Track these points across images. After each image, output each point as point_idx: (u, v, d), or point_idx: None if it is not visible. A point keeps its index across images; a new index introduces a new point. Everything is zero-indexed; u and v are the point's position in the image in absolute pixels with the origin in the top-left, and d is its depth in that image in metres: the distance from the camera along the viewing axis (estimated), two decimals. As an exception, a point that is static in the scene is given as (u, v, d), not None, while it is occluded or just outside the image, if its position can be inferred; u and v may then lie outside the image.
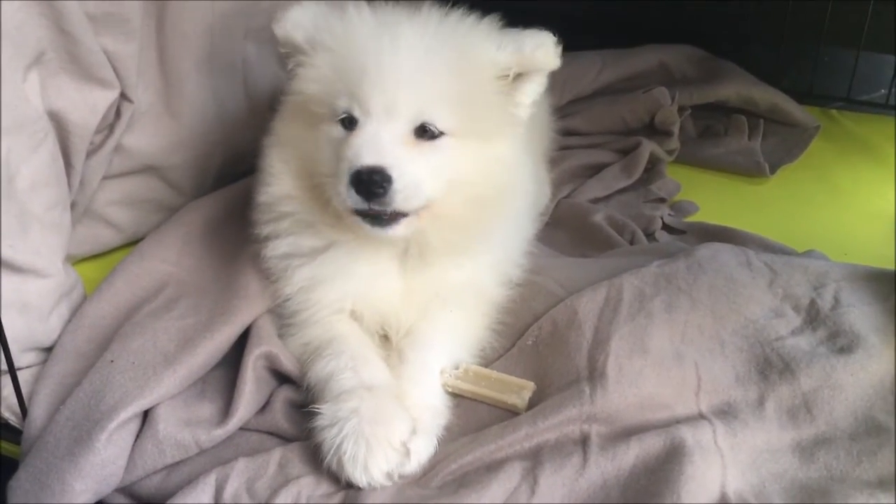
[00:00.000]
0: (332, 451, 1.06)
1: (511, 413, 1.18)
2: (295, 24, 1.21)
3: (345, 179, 1.12)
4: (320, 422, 1.09)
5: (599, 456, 1.06)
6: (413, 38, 1.16)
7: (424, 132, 1.15)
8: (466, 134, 1.18)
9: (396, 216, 1.15)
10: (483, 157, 1.20)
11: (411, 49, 1.15)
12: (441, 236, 1.21)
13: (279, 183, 1.24)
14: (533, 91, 1.25)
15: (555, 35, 1.22)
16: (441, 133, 1.16)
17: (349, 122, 1.15)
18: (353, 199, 1.12)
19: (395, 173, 1.11)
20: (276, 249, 1.26)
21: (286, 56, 1.25)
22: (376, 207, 1.13)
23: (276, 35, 1.23)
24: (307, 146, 1.21)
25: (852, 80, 2.05)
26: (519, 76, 1.22)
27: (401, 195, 1.12)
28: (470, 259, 1.27)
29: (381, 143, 1.13)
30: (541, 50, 1.20)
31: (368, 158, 1.11)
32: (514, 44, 1.20)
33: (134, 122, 1.46)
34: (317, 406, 1.11)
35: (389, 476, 1.06)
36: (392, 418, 1.08)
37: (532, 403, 1.17)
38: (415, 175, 1.13)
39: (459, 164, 1.18)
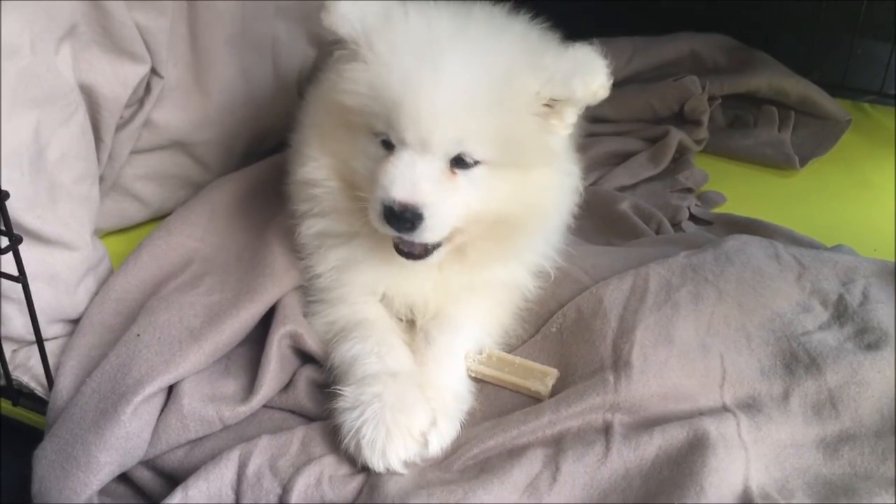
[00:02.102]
0: (351, 434, 1.06)
1: (534, 399, 1.17)
2: (343, 18, 1.15)
3: (377, 207, 1.11)
4: (342, 403, 1.10)
5: (622, 445, 1.06)
6: (455, 70, 1.10)
7: (460, 162, 1.13)
8: (502, 162, 1.15)
9: (427, 248, 1.16)
10: (518, 182, 1.17)
11: (452, 84, 1.10)
12: (477, 249, 1.21)
13: (316, 168, 1.22)
14: (568, 119, 1.19)
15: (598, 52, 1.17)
16: (476, 162, 1.13)
17: (388, 144, 1.13)
18: (382, 226, 1.12)
19: (426, 212, 1.10)
20: (311, 227, 1.26)
21: (332, 43, 1.20)
22: (406, 238, 1.14)
23: (324, 24, 1.17)
24: (344, 148, 1.19)
25: (886, 74, 2.02)
26: (556, 102, 1.16)
27: (430, 232, 1.12)
28: (508, 261, 1.26)
29: (416, 178, 1.11)
30: (577, 80, 1.13)
31: (401, 193, 1.10)
32: (550, 70, 1.13)
33: (163, 97, 1.46)
34: (339, 388, 1.12)
35: (406, 464, 1.06)
36: (414, 407, 1.08)
37: (555, 391, 1.17)
38: (446, 211, 1.12)
39: (494, 191, 1.16)
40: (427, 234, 1.12)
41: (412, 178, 1.10)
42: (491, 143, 1.12)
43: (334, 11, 1.15)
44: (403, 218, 1.10)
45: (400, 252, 1.17)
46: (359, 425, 1.06)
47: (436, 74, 1.09)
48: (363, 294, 1.24)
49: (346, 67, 1.15)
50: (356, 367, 1.14)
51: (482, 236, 1.19)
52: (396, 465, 1.05)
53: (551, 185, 1.22)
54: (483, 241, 1.20)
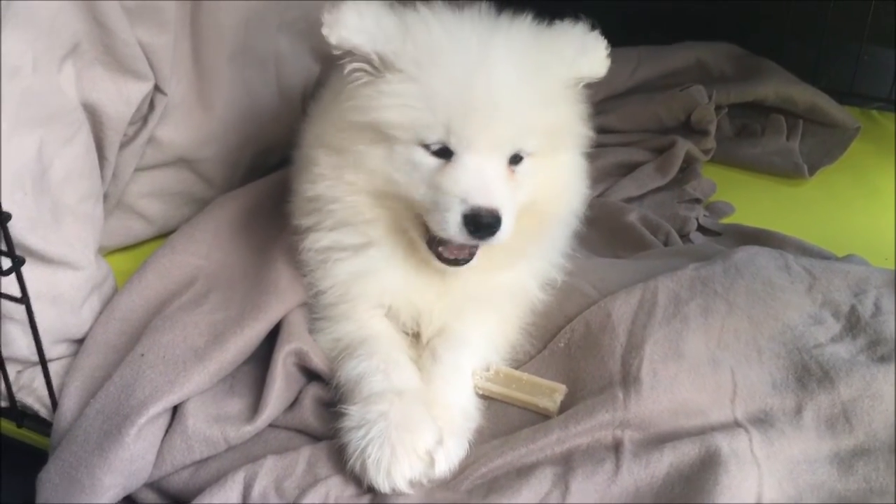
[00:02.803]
0: (356, 454, 1.05)
1: (542, 416, 1.16)
2: (355, 32, 1.11)
3: (455, 217, 1.10)
4: (347, 423, 1.08)
5: (632, 463, 1.04)
6: (505, 71, 1.11)
7: (515, 158, 1.14)
8: (544, 152, 1.17)
9: (472, 252, 1.16)
10: (552, 169, 1.19)
11: (506, 85, 1.11)
12: (505, 246, 1.18)
13: (328, 186, 1.20)
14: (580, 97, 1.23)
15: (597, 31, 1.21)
16: (525, 155, 1.15)
17: (443, 152, 1.12)
18: (461, 235, 1.11)
19: (504, 214, 1.10)
20: (316, 242, 1.24)
21: (340, 58, 1.15)
22: (474, 242, 1.14)
23: (328, 40, 1.12)
24: (372, 162, 1.16)
25: (894, 81, 2.00)
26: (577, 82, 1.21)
27: (505, 234, 1.11)
28: (528, 259, 1.26)
29: (491, 181, 1.11)
30: (588, 57, 1.19)
31: (482, 199, 1.10)
32: (567, 54, 1.18)
33: (167, 114, 1.45)
34: (345, 407, 1.10)
35: (412, 484, 1.04)
36: (420, 425, 1.07)
37: (564, 407, 1.16)
38: (513, 210, 1.13)
39: (536, 181, 1.17)
40: (503, 236, 1.11)
41: (487, 182, 1.11)
42: (540, 134, 1.14)
43: (343, 26, 1.11)
44: (488, 224, 1.09)
45: (443, 260, 1.16)
46: (364, 445, 1.05)
47: (490, 79, 1.10)
48: (370, 307, 1.23)
49: (382, 83, 1.12)
50: (362, 384, 1.13)
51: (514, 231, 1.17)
52: (402, 485, 1.03)
53: (574, 167, 1.25)
54: (513, 237, 1.17)
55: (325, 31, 1.11)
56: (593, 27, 1.22)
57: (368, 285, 1.23)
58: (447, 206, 1.10)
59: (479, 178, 1.10)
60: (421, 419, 1.08)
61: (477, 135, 1.10)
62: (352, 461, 1.05)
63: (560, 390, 1.18)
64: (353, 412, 1.09)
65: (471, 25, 1.16)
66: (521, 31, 1.18)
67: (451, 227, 1.10)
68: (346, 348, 1.20)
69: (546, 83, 1.15)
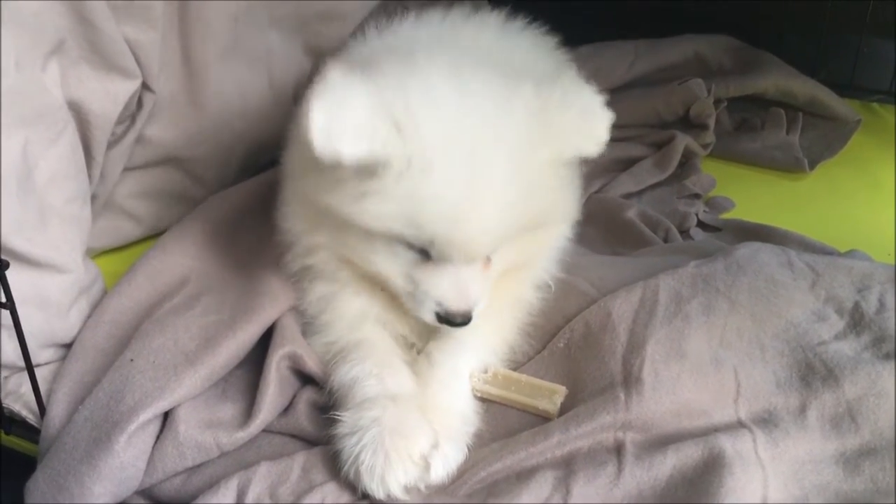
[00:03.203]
0: (350, 461, 1.03)
1: (542, 419, 1.14)
2: (351, 141, 0.96)
3: (429, 313, 1.10)
4: (341, 429, 1.06)
5: (635, 465, 1.02)
6: (492, 183, 1.02)
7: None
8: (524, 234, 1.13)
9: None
10: (531, 242, 1.17)
11: (493, 199, 1.03)
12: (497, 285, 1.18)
13: (310, 252, 1.18)
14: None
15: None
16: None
17: (423, 252, 1.07)
18: (434, 322, 1.11)
19: (477, 309, 1.10)
20: (295, 262, 1.22)
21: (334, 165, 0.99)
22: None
23: (315, 150, 0.96)
24: (350, 240, 1.10)
25: (895, 73, 1.97)
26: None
27: (476, 318, 1.11)
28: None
29: (466, 286, 1.09)
30: (583, 135, 1.07)
31: (455, 305, 1.09)
32: (558, 131, 1.06)
33: (156, 112, 1.42)
34: (338, 413, 1.08)
35: (407, 490, 1.02)
36: (414, 430, 1.05)
37: (564, 409, 1.14)
38: (487, 292, 1.12)
39: (512, 258, 1.16)
40: (475, 321, 1.11)
41: (462, 287, 1.09)
42: (522, 226, 1.10)
43: (336, 137, 0.96)
44: (458, 323, 1.10)
45: (442, 321, 1.12)
46: (357, 451, 1.03)
47: (479, 196, 1.02)
48: (356, 318, 1.20)
49: (367, 183, 1.02)
50: (355, 390, 1.11)
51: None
52: (397, 491, 1.01)
53: (560, 232, 1.22)
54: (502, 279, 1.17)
55: (311, 137, 0.96)
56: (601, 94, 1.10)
57: (349, 302, 1.20)
58: (422, 301, 1.10)
59: (455, 285, 1.08)
60: (415, 424, 1.06)
61: (459, 252, 1.06)
62: (346, 468, 1.03)
63: (560, 392, 1.16)
64: (347, 418, 1.07)
65: (459, 113, 1.03)
66: (508, 117, 1.05)
67: (425, 316, 1.11)
68: (339, 352, 1.17)
69: (530, 176, 1.06)
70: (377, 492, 1.01)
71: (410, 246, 1.07)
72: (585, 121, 1.07)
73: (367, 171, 1.00)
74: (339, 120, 0.96)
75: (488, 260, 1.12)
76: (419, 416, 1.07)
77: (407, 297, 1.12)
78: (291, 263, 1.22)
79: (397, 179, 1.00)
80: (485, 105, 1.04)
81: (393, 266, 1.10)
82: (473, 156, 1.01)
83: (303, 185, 1.12)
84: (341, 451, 1.04)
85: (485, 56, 1.34)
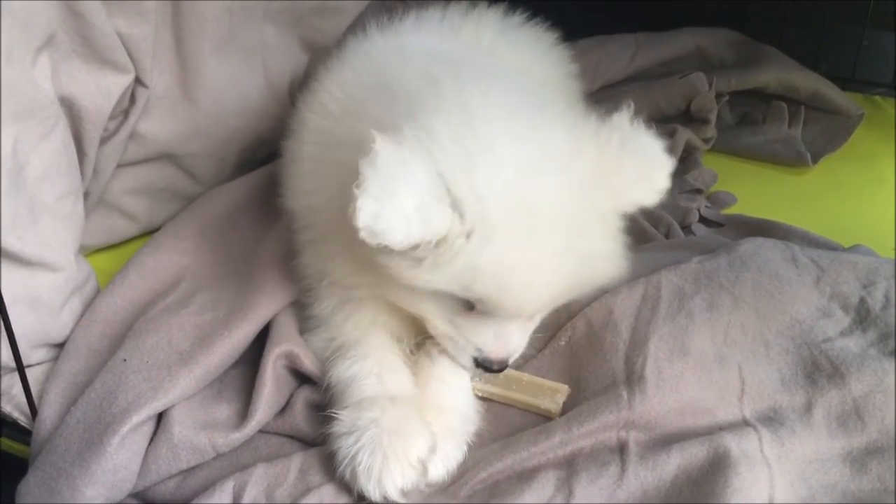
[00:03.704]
0: (346, 461, 1.01)
1: (544, 418, 1.12)
2: (404, 233, 0.91)
3: (467, 358, 1.09)
4: (338, 428, 1.04)
5: (638, 465, 1.00)
6: (558, 244, 0.99)
7: None
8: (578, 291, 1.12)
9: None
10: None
11: (554, 262, 1.00)
12: None
13: (338, 283, 1.15)
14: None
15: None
16: None
17: (469, 303, 1.05)
18: (469, 367, 1.11)
19: (516, 355, 1.10)
20: (313, 265, 1.19)
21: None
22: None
23: (366, 241, 0.91)
24: (395, 290, 1.06)
25: (897, 66, 1.96)
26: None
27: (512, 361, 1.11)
28: None
29: (509, 339, 1.08)
30: (643, 189, 1.03)
31: (496, 354, 1.08)
32: (616, 187, 1.02)
33: (149, 107, 1.40)
34: (335, 411, 1.06)
35: (404, 493, 1.00)
36: (413, 433, 1.03)
37: (567, 407, 1.12)
38: (525, 342, 1.12)
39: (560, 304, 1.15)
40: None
41: (506, 340, 1.08)
42: (573, 289, 1.08)
43: (392, 232, 0.90)
44: (496, 369, 1.09)
45: (478, 365, 1.11)
46: (354, 452, 1.01)
47: (534, 264, 0.99)
48: (360, 321, 1.17)
49: (423, 262, 0.97)
50: (353, 388, 1.09)
51: None
52: (393, 494, 0.99)
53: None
54: None
55: (357, 224, 0.90)
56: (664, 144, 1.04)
57: (360, 307, 1.16)
58: (462, 346, 1.09)
59: (499, 338, 1.08)
60: (414, 426, 1.04)
61: (507, 312, 1.05)
62: (342, 468, 1.01)
63: (562, 391, 1.14)
64: (344, 417, 1.05)
65: (529, 181, 0.97)
66: (582, 169, 1.00)
67: (462, 361, 1.10)
68: (339, 348, 1.15)
69: (595, 230, 1.02)
70: (373, 494, 0.99)
71: (457, 298, 1.04)
72: (647, 170, 1.02)
73: (413, 248, 0.95)
74: (390, 208, 0.90)
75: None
76: (418, 418, 1.05)
77: (445, 340, 1.10)
78: (310, 266, 1.20)
79: (454, 251, 0.96)
80: (547, 168, 0.99)
81: (436, 311, 1.08)
82: (534, 223, 0.97)
83: (344, 241, 1.04)
84: (338, 450, 1.02)
85: (486, 54, 1.33)
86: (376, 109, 1.07)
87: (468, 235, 0.95)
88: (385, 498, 0.99)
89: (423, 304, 1.07)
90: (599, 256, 1.05)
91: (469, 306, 1.05)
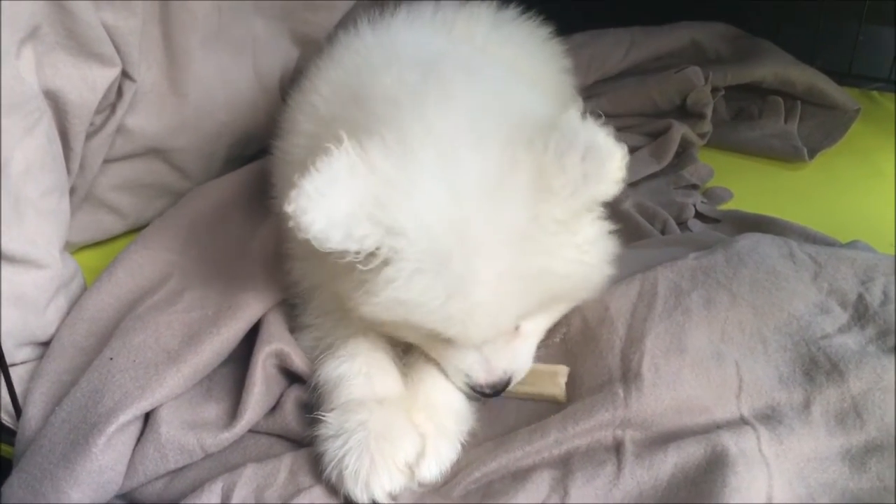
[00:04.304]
0: (333, 464, 1.00)
1: (538, 415, 1.09)
2: (326, 232, 0.92)
3: (461, 385, 1.08)
4: (325, 431, 1.03)
5: (635, 465, 0.99)
6: (498, 270, 0.96)
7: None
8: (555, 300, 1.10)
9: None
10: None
11: (495, 289, 0.97)
12: None
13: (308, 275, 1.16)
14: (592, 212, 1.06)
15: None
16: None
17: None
18: (472, 395, 1.09)
19: (515, 378, 1.08)
20: (305, 279, 1.19)
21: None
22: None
23: (293, 227, 0.92)
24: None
25: (894, 61, 1.94)
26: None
27: (516, 382, 1.09)
28: None
29: (497, 362, 1.06)
30: (593, 184, 0.96)
31: (483, 378, 1.06)
32: (563, 187, 0.97)
33: (137, 101, 1.38)
34: (323, 414, 1.05)
35: (391, 496, 0.99)
36: (401, 436, 1.01)
37: (569, 389, 1.11)
38: (527, 359, 1.10)
39: (548, 316, 1.13)
40: (513, 384, 1.10)
41: (491, 363, 1.06)
42: (540, 301, 1.05)
43: (314, 228, 0.91)
44: (492, 394, 1.07)
45: (476, 392, 1.09)
46: (342, 455, 0.99)
47: (470, 294, 0.96)
48: (350, 322, 1.14)
49: (369, 285, 0.98)
50: (341, 388, 1.07)
51: None
52: (381, 497, 0.98)
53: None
54: None
55: (288, 212, 0.92)
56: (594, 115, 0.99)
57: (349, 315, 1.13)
58: (453, 375, 1.08)
59: (484, 363, 1.06)
60: (402, 429, 1.02)
61: (461, 340, 1.03)
62: (329, 471, 1.00)
63: (562, 372, 1.12)
64: (332, 420, 1.03)
65: (459, 209, 0.96)
66: (518, 186, 0.97)
67: (460, 386, 1.09)
68: (327, 348, 1.13)
69: (554, 240, 0.99)
70: (360, 497, 0.97)
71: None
72: (595, 163, 0.96)
73: (363, 260, 0.95)
74: (318, 206, 0.92)
75: (515, 330, 1.07)
76: (406, 420, 1.04)
77: (445, 367, 1.09)
78: (302, 280, 1.19)
79: (387, 282, 0.96)
80: (478, 195, 0.97)
81: (418, 339, 1.08)
82: (466, 253, 0.95)
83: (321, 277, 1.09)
84: (325, 453, 1.01)
85: (479, 50, 1.31)
86: (358, 116, 1.06)
87: (394, 264, 0.95)
88: (372, 501, 0.98)
89: (407, 334, 1.07)
90: (560, 269, 1.01)
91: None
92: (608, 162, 0.95)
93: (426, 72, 1.09)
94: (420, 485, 1.01)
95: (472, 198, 0.96)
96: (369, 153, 0.96)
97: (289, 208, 0.91)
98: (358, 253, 0.94)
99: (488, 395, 1.07)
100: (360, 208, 0.93)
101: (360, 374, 1.08)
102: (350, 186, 0.94)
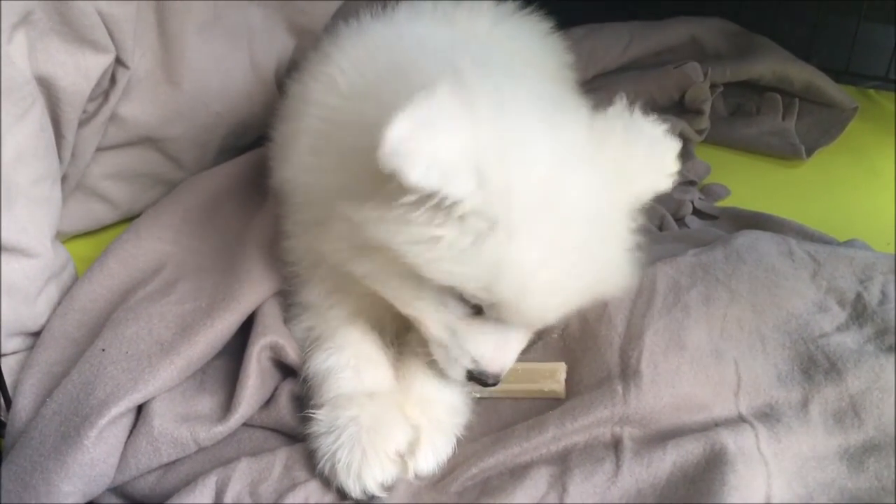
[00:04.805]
0: (326, 457, 0.99)
1: (536, 411, 1.08)
2: (433, 168, 0.85)
3: (460, 369, 1.04)
4: (317, 428, 1.02)
5: (633, 462, 0.98)
6: (588, 251, 0.95)
7: None
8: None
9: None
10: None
11: (582, 269, 0.95)
12: None
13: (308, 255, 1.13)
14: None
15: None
16: None
17: (477, 308, 0.99)
18: (460, 379, 1.05)
19: (508, 367, 1.05)
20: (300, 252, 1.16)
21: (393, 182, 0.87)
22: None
23: (382, 160, 0.84)
24: (396, 283, 1.00)
25: (892, 59, 1.94)
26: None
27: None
28: None
29: (509, 352, 1.04)
30: (658, 175, 1.00)
31: (492, 367, 1.03)
32: (633, 178, 0.99)
33: (130, 89, 1.36)
34: (314, 411, 1.04)
35: (384, 487, 0.98)
36: (392, 428, 1.01)
37: (568, 385, 1.11)
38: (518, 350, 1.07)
39: None
40: (514, 383, 1.09)
41: (505, 353, 1.04)
42: (590, 297, 1.03)
43: (418, 158, 0.84)
44: (489, 383, 1.05)
45: (471, 379, 1.06)
46: (334, 450, 0.99)
47: (561, 267, 0.94)
48: (343, 312, 1.14)
49: (441, 243, 0.91)
50: (330, 381, 1.06)
51: None
52: (373, 489, 0.97)
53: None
54: None
55: (383, 140, 0.83)
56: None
57: (346, 299, 1.13)
58: (456, 356, 1.03)
59: (499, 349, 1.03)
60: (393, 420, 1.02)
61: (522, 320, 1.00)
62: (321, 464, 1.00)
63: (560, 369, 1.11)
64: (323, 417, 1.02)
65: (560, 177, 0.93)
66: (606, 166, 0.96)
67: (453, 373, 1.05)
68: (316, 339, 1.12)
69: (617, 230, 0.99)
70: (353, 489, 0.97)
71: (465, 300, 0.98)
72: (655, 155, 0.99)
73: (439, 212, 0.89)
74: (422, 138, 0.85)
75: None
76: (396, 412, 1.03)
77: (438, 350, 1.04)
78: (294, 252, 1.17)
79: (477, 239, 0.90)
80: (576, 164, 0.95)
81: (436, 315, 1.02)
82: (561, 223, 0.93)
83: (352, 211, 0.96)
84: (317, 448, 1.01)
85: (482, 45, 1.29)
86: (392, 95, 0.97)
87: (493, 223, 0.90)
88: (365, 493, 0.97)
89: (421, 302, 1.01)
90: (614, 264, 1.01)
91: (475, 311, 1.00)
92: (668, 155, 1.00)
93: (466, 55, 1.08)
94: (417, 477, 1.00)
95: (569, 167, 0.94)
96: (473, 100, 0.90)
97: (387, 135, 0.83)
98: (444, 199, 0.87)
99: (486, 385, 1.05)
100: (461, 157, 0.87)
101: (348, 366, 1.07)
102: (454, 132, 0.87)
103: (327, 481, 1.00)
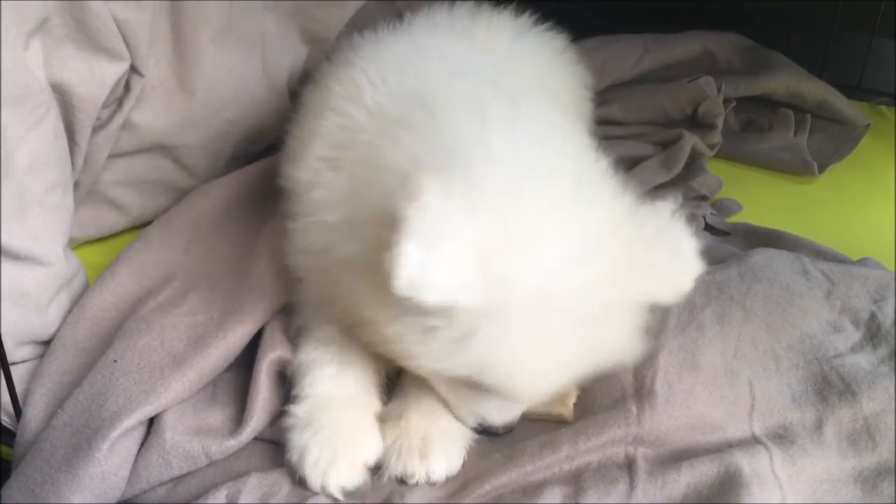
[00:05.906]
0: (296, 449, 1.01)
1: (548, 429, 1.07)
2: (442, 289, 0.84)
3: (469, 421, 1.05)
4: (294, 422, 1.03)
5: (647, 483, 0.97)
6: (579, 340, 0.94)
7: None
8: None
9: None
10: None
11: (572, 356, 0.96)
12: None
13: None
14: None
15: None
16: None
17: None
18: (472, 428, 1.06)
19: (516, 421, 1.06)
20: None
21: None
22: None
23: (399, 292, 0.83)
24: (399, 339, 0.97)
25: (904, 75, 1.94)
26: None
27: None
28: None
29: (515, 409, 1.05)
30: (676, 280, 0.97)
31: (500, 419, 1.04)
32: (646, 280, 0.96)
33: (144, 96, 1.35)
34: (291, 408, 1.05)
35: (344, 491, 0.99)
36: (367, 439, 1.02)
37: (575, 410, 1.10)
38: None
39: None
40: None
41: (511, 409, 1.04)
42: (585, 374, 1.02)
43: (432, 287, 0.83)
44: (500, 435, 1.06)
45: (481, 432, 1.07)
46: (307, 443, 1.00)
47: (552, 355, 0.94)
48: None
49: (436, 333, 0.90)
50: (313, 374, 1.07)
51: None
52: (334, 490, 0.98)
53: None
54: None
55: (394, 274, 0.82)
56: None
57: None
58: (465, 415, 1.05)
59: (505, 410, 1.04)
60: (370, 434, 1.03)
61: (517, 398, 1.02)
62: (289, 454, 1.01)
63: (571, 394, 1.10)
64: (301, 415, 1.03)
65: (563, 268, 0.90)
66: (613, 260, 0.93)
67: (466, 422, 1.06)
68: (305, 331, 1.13)
69: (614, 322, 0.96)
70: (314, 482, 0.98)
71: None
72: (674, 268, 0.96)
73: (442, 311, 0.87)
74: (435, 260, 0.83)
75: None
76: (374, 426, 1.04)
77: (448, 399, 1.05)
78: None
79: (471, 330, 0.89)
80: (585, 261, 0.91)
81: (435, 378, 1.04)
82: (557, 317, 0.91)
83: (348, 283, 0.98)
84: (290, 440, 1.02)
85: (501, 64, 1.28)
86: (415, 130, 0.99)
87: (488, 314, 0.88)
88: (323, 489, 0.98)
89: (427, 371, 1.01)
90: (615, 347, 0.99)
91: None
92: (687, 273, 0.96)
93: (495, 91, 1.06)
94: (429, 483, 1.00)
95: (577, 264, 0.91)
96: (468, 193, 0.88)
97: (400, 269, 0.82)
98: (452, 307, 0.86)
99: (496, 436, 1.05)
100: (474, 264, 0.85)
101: (332, 362, 1.07)
102: (454, 235, 0.85)
103: (292, 471, 1.01)
